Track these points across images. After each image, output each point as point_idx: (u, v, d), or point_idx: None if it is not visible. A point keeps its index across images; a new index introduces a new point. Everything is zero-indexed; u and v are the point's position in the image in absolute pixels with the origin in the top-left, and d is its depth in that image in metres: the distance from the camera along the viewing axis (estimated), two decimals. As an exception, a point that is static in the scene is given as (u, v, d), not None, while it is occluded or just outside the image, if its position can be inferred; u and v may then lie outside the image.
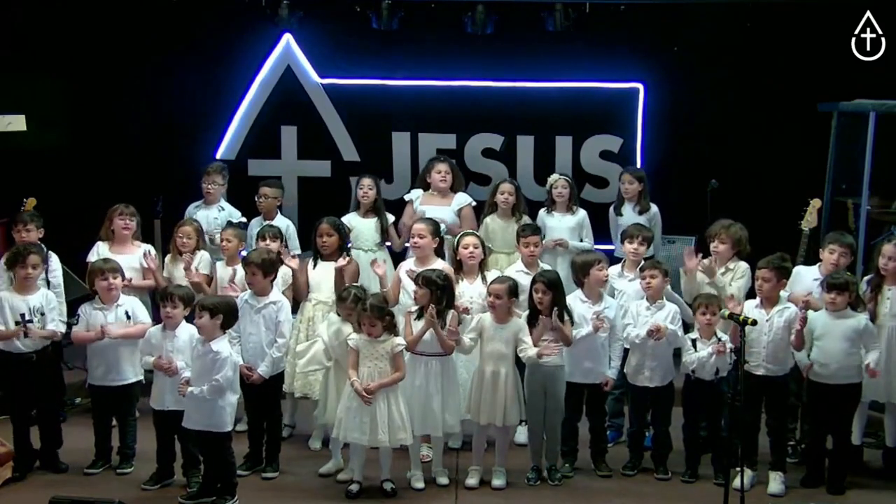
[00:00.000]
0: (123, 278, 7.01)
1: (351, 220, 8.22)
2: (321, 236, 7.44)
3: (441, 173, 8.43)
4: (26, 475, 6.78)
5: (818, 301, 6.94)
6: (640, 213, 8.40)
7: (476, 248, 7.26)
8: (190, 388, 6.25)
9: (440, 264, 7.30)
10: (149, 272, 7.60)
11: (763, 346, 6.71)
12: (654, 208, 8.45)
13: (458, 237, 7.52)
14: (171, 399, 6.51)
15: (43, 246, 7.22)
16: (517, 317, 6.84)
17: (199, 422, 6.35)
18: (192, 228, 7.77)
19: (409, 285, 7.09)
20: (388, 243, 8.41)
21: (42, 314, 6.81)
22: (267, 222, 8.19)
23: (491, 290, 6.84)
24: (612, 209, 8.62)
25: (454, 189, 8.52)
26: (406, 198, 8.57)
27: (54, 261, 7.44)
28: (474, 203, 8.53)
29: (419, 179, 8.72)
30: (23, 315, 6.73)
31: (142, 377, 6.91)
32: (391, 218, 8.39)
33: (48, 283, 7.22)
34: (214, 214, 8.49)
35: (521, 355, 6.75)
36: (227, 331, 6.41)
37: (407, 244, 8.04)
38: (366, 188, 8.31)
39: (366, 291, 6.85)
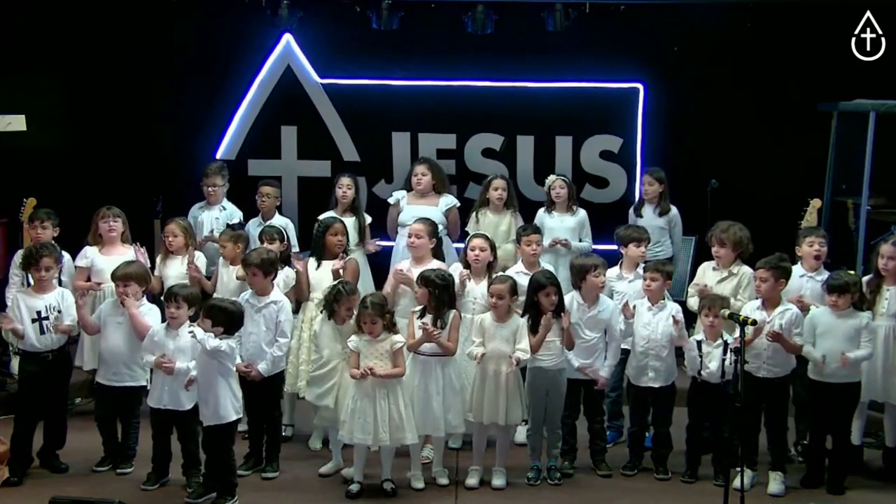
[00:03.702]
0: (144, 282, 6.93)
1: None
2: (336, 234, 7.45)
3: (417, 175, 8.44)
4: (23, 479, 6.78)
5: (810, 298, 6.99)
6: (661, 214, 8.43)
7: (483, 250, 7.25)
8: (177, 366, 6.41)
9: (436, 265, 7.31)
10: None
11: (764, 347, 6.71)
12: (673, 210, 8.49)
13: (467, 238, 7.53)
14: (169, 397, 6.53)
15: (56, 246, 7.21)
16: (517, 315, 6.85)
17: (207, 416, 6.37)
18: (178, 227, 7.74)
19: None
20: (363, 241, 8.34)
21: (59, 312, 6.82)
22: (267, 222, 8.19)
23: (492, 290, 6.84)
24: (631, 210, 8.66)
25: (437, 190, 8.51)
26: (390, 200, 8.56)
27: (66, 260, 7.50)
28: (459, 205, 8.56)
29: (405, 180, 8.73)
30: (39, 313, 6.76)
31: (147, 382, 6.90)
32: (369, 218, 8.40)
33: (59, 281, 7.26)
34: (216, 215, 8.48)
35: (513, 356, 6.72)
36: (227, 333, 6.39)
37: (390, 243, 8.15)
38: (345, 187, 8.30)
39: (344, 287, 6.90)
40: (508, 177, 8.69)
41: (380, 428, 6.52)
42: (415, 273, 7.18)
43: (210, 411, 6.35)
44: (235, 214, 8.53)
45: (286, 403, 7.57)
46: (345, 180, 8.34)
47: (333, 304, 6.82)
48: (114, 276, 6.90)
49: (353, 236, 8.19)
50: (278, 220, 8.33)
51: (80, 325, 6.94)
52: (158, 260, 7.82)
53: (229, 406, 6.35)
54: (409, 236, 7.44)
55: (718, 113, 9.46)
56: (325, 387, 6.85)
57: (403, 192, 8.55)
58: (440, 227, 8.05)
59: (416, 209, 8.32)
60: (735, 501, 6.03)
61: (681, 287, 8.24)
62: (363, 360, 6.57)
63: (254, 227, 8.21)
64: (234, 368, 6.45)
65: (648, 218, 8.39)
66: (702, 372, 6.75)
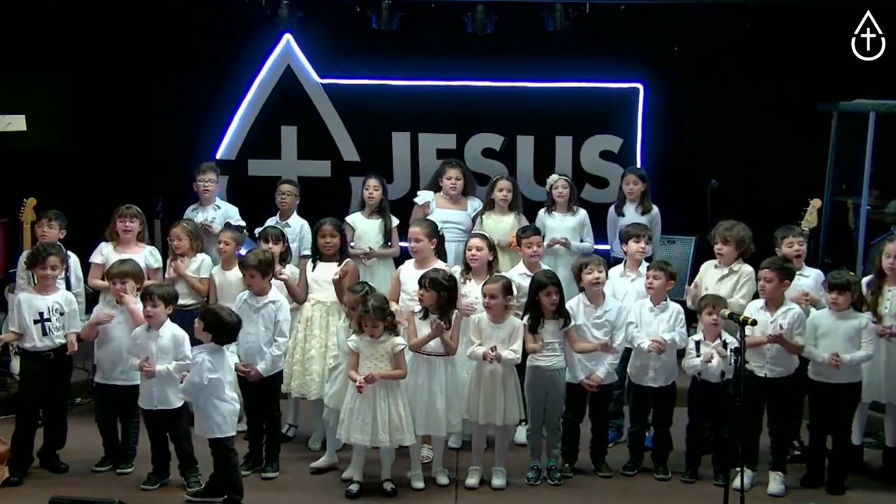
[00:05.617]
0: (139, 280, 6.94)
1: (355, 220, 8.21)
2: (324, 237, 7.42)
3: (451, 179, 8.40)
4: (23, 479, 6.78)
5: (816, 295, 6.99)
6: (643, 213, 8.41)
7: (479, 249, 7.24)
8: (157, 369, 6.38)
9: (440, 265, 7.28)
10: (153, 273, 7.58)
11: (767, 347, 6.69)
12: (655, 209, 8.46)
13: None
14: (158, 398, 6.53)
15: (62, 246, 7.24)
16: (514, 317, 6.84)
17: (197, 427, 6.38)
18: (182, 230, 7.71)
19: (409, 286, 7.14)
20: (389, 243, 8.33)
21: (61, 314, 6.83)
22: (283, 222, 8.17)
23: (485, 290, 6.83)
24: (612, 209, 8.60)
25: (466, 193, 8.50)
26: (417, 201, 8.48)
27: (74, 261, 7.54)
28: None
29: (431, 181, 8.68)
30: (41, 314, 6.76)
31: None
32: (396, 220, 8.35)
33: (67, 282, 7.26)
34: (212, 215, 8.42)
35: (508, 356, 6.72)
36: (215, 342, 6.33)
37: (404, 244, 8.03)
38: (371, 189, 8.27)
39: (371, 289, 6.87)
40: (511, 176, 8.70)
41: (379, 428, 6.53)
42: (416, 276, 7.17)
43: (198, 422, 6.36)
44: (230, 213, 8.49)
45: (289, 404, 7.58)
46: (372, 182, 8.30)
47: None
48: (110, 275, 6.91)
49: (379, 238, 8.20)
50: (296, 221, 8.30)
51: (82, 334, 6.94)
52: (168, 262, 7.80)
53: (210, 422, 6.29)
54: (410, 240, 7.41)
55: (718, 113, 9.46)
56: (335, 388, 6.87)
57: (431, 194, 8.50)
58: (465, 230, 8.20)
59: (445, 213, 8.30)
60: (735, 501, 6.02)
61: (680, 287, 8.24)
62: (363, 361, 6.57)
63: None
64: (214, 383, 6.31)
65: (630, 217, 8.36)
66: (690, 361, 6.73)
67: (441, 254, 7.47)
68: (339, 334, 6.95)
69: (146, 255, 7.61)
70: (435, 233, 7.42)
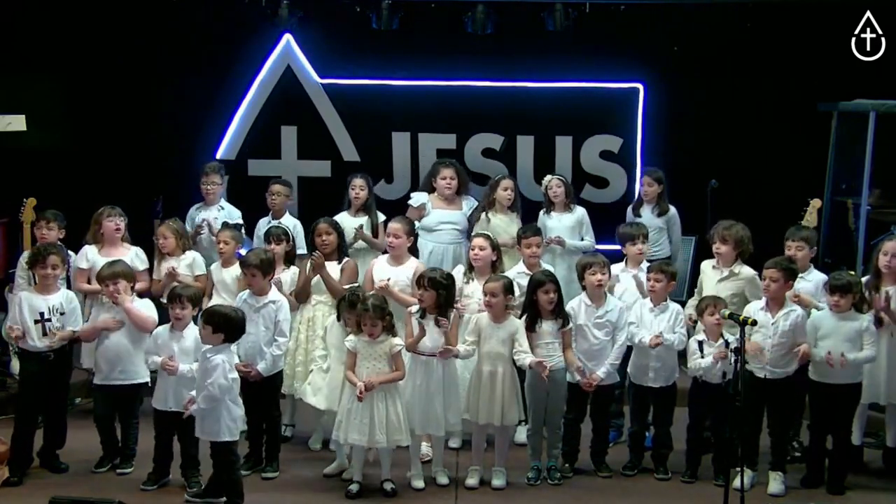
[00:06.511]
0: (131, 280, 6.94)
1: (342, 219, 8.21)
2: (320, 235, 7.45)
3: (446, 179, 8.42)
4: (23, 479, 6.78)
5: (810, 298, 6.98)
6: (660, 214, 8.43)
7: (482, 249, 7.25)
8: (193, 407, 6.27)
9: (413, 262, 7.39)
10: (140, 274, 7.56)
11: (768, 348, 6.69)
12: (672, 209, 8.48)
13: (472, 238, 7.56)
14: (174, 399, 6.52)
15: (63, 246, 7.25)
16: (514, 317, 6.84)
17: (200, 430, 6.36)
18: (168, 229, 7.74)
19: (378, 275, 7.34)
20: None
21: (62, 313, 6.82)
22: (275, 222, 8.18)
23: (486, 289, 6.84)
24: (630, 210, 8.64)
25: (460, 192, 8.51)
26: (412, 203, 8.49)
27: (73, 261, 7.54)
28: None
29: (425, 182, 8.69)
30: (42, 314, 6.76)
31: (148, 379, 6.91)
32: (382, 216, 8.36)
33: (67, 282, 7.27)
34: (214, 215, 8.45)
35: (518, 361, 6.72)
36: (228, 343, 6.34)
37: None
38: (357, 188, 8.32)
39: (364, 292, 6.88)
40: (512, 176, 8.72)
41: (376, 429, 6.53)
42: (394, 274, 7.25)
43: (202, 426, 6.33)
44: (233, 214, 8.51)
45: (287, 404, 7.58)
46: (357, 181, 8.35)
47: (345, 310, 6.80)
48: (101, 277, 6.91)
49: (366, 236, 8.23)
50: (288, 221, 8.30)
51: (82, 336, 6.96)
52: (156, 262, 7.81)
53: (218, 425, 6.27)
54: (388, 235, 7.48)
55: (718, 113, 9.46)
56: (327, 389, 6.87)
57: (426, 195, 8.52)
58: (462, 230, 8.24)
59: (442, 213, 8.35)
60: (735, 501, 6.03)
61: (681, 287, 8.24)
62: (361, 362, 6.57)
63: (264, 225, 8.18)
64: (234, 384, 6.35)
65: (647, 218, 8.39)
66: (698, 362, 6.73)
67: (414, 251, 7.61)
68: (330, 332, 6.95)
69: (132, 257, 7.56)
70: (412, 231, 7.58)
